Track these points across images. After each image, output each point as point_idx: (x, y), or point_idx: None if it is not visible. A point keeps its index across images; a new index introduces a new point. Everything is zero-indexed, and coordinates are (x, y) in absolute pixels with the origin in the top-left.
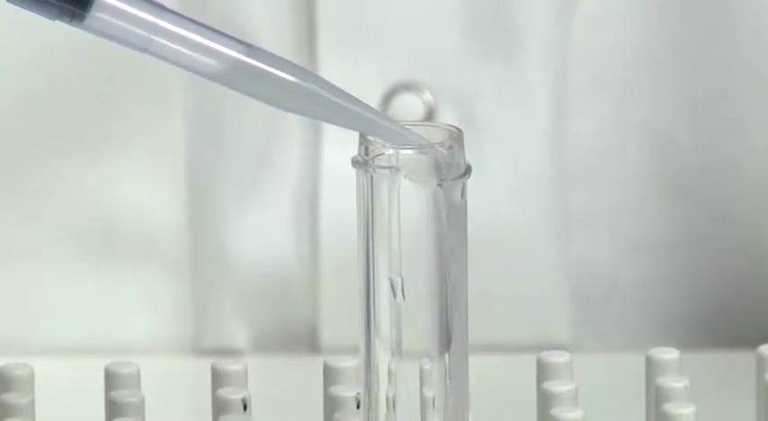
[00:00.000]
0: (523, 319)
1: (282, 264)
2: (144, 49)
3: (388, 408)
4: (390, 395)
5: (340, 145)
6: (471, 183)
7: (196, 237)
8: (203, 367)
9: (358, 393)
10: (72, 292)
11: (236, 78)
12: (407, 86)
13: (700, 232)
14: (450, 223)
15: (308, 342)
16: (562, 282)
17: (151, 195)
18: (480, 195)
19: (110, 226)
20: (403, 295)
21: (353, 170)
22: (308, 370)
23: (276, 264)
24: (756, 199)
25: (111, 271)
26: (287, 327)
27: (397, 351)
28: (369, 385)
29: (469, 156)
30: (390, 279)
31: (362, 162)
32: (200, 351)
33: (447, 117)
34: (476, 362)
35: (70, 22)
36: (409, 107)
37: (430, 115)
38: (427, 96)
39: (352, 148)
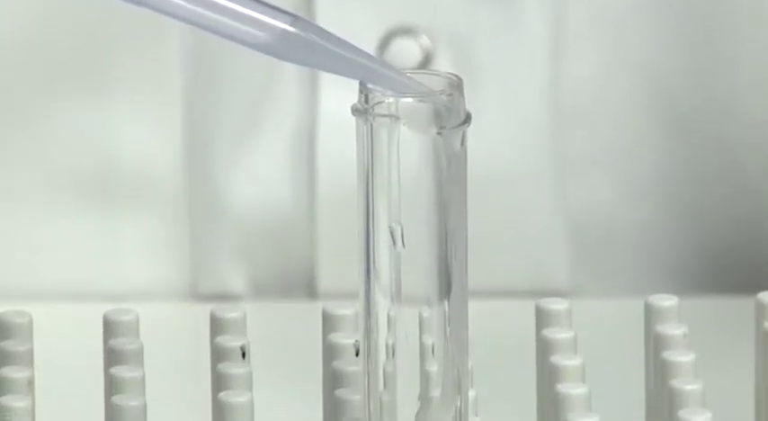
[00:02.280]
0: (521, 264)
1: (280, 208)
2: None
3: (387, 356)
4: (390, 342)
5: (338, 88)
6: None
7: (193, 182)
8: (202, 313)
9: (357, 340)
10: (69, 237)
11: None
12: (404, 31)
13: (699, 173)
14: (450, 171)
15: (306, 286)
16: (560, 226)
17: (148, 140)
18: (477, 139)
19: (107, 170)
20: (403, 243)
21: (351, 114)
22: (306, 316)
23: (274, 208)
24: (756, 139)
25: (108, 216)
26: (285, 272)
27: (397, 298)
28: (368, 332)
29: (466, 100)
30: (390, 227)
31: (362, 110)
32: (198, 295)
33: (444, 61)
34: (475, 309)
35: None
36: (406, 52)
37: (427, 60)
38: (424, 40)
39: (350, 92)
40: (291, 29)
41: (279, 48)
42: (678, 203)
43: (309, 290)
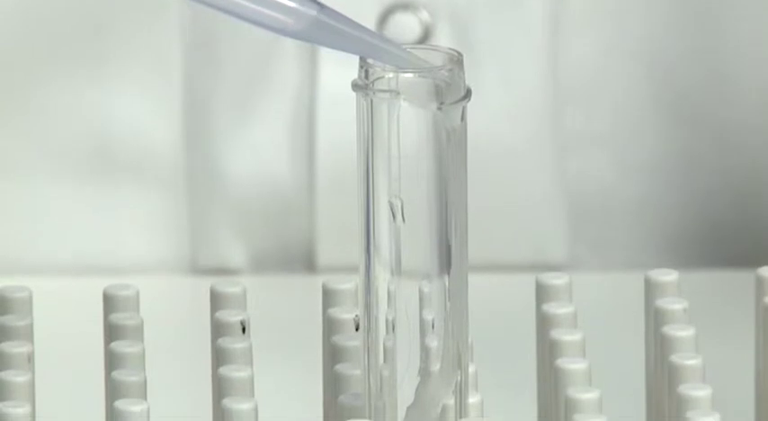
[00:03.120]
0: (521, 239)
1: (279, 182)
2: None
3: (387, 331)
4: (390, 317)
5: (338, 63)
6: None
7: (192, 156)
8: (201, 287)
9: (356, 315)
10: (68, 212)
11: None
12: (404, 5)
13: (698, 150)
14: (450, 147)
15: (306, 261)
16: (560, 202)
17: (147, 114)
18: (477, 114)
19: (106, 145)
20: (403, 218)
21: (351, 89)
22: (305, 290)
23: (273, 182)
24: (755, 117)
25: (107, 190)
26: (284, 246)
27: (397, 273)
28: (368, 307)
29: (466, 75)
30: (390, 202)
31: (362, 85)
32: (198, 270)
33: (444, 36)
34: (475, 283)
35: None
36: (405, 26)
37: (426, 35)
38: (424, 15)
39: (350, 67)
40: (318, 15)
41: (307, 33)
42: (677, 178)
43: (309, 264)
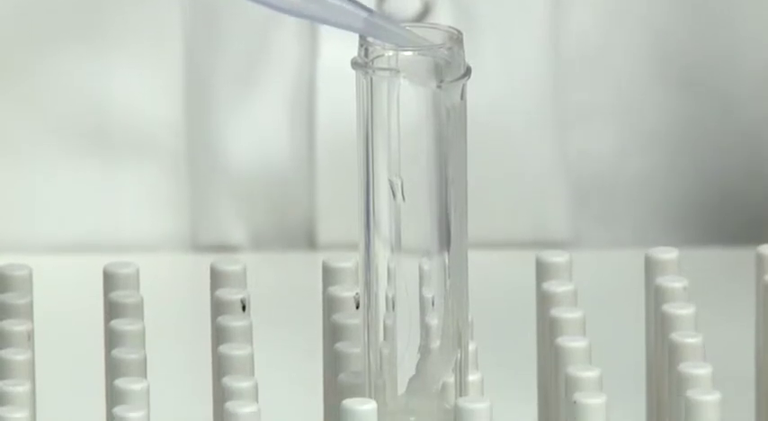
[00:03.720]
0: (522, 215)
1: (279, 159)
2: None
3: (387, 308)
4: (390, 295)
5: (338, 39)
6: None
7: (193, 132)
8: (201, 264)
9: (357, 293)
10: (68, 188)
11: None
12: None
13: (701, 124)
14: (450, 125)
15: (306, 238)
16: (561, 177)
17: (148, 90)
18: (477, 90)
19: (106, 122)
20: (402, 196)
21: (351, 67)
22: (305, 267)
23: (273, 159)
24: (758, 90)
25: (107, 167)
26: (284, 223)
27: (397, 251)
28: (368, 285)
29: (467, 50)
30: (390, 180)
31: (362, 64)
32: (198, 247)
33: (444, 12)
34: (475, 260)
35: None
36: (405, 3)
37: (426, 10)
38: None
39: (350, 43)
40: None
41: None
42: (679, 155)
43: (309, 241)
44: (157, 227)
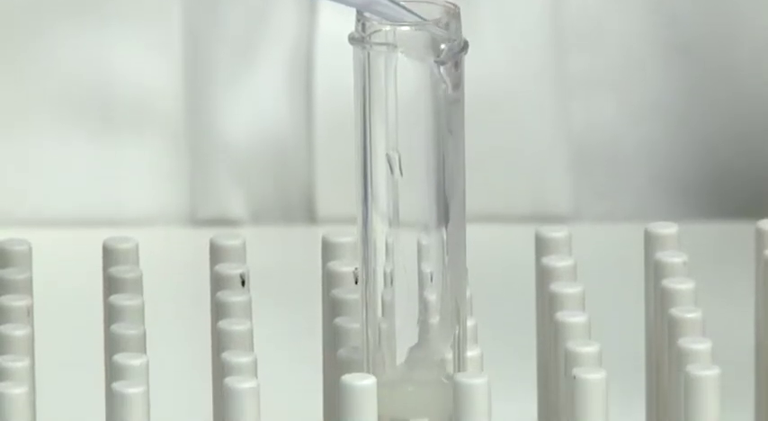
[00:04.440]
0: (522, 188)
1: (278, 130)
2: None
3: (385, 284)
4: (388, 270)
5: (336, 11)
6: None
7: (192, 106)
8: (200, 238)
9: (356, 268)
10: (67, 161)
11: None
12: None
13: (703, 95)
14: (448, 99)
15: (305, 211)
16: (562, 149)
17: (147, 63)
18: (477, 61)
19: (105, 95)
20: (400, 171)
21: (348, 43)
22: (305, 241)
23: (272, 131)
24: (760, 60)
25: (106, 140)
26: (283, 195)
27: (395, 226)
28: (366, 261)
29: (466, 19)
30: (387, 155)
31: (359, 39)
32: (197, 220)
33: None
34: (474, 235)
35: None
36: None
37: None
38: None
39: (348, 15)
40: None
41: None
42: (680, 126)
43: (309, 214)
44: (156, 199)
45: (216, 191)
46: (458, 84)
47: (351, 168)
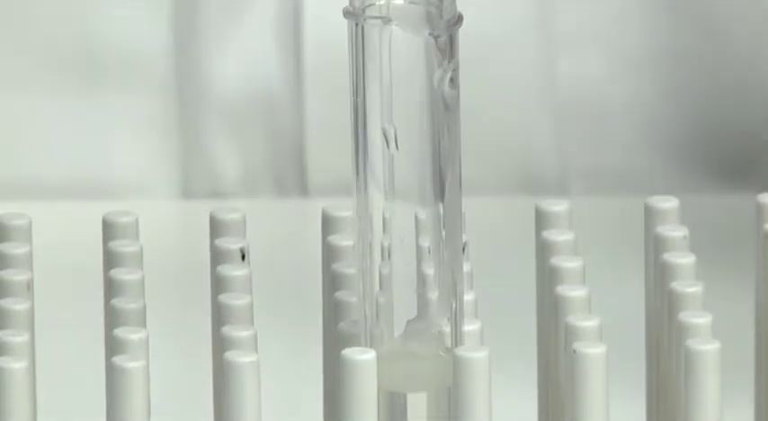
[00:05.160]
0: (510, 145)
1: (268, 85)
2: None
3: (383, 257)
4: (386, 244)
5: None
6: None
7: (181, 61)
8: (199, 211)
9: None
10: (57, 122)
11: None
12: None
13: (691, 47)
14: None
15: (296, 162)
16: (549, 104)
17: (136, 18)
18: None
19: (94, 50)
20: (396, 145)
21: (343, 16)
22: (299, 212)
23: (262, 85)
24: (749, 14)
25: (96, 98)
26: (274, 149)
27: (391, 200)
28: (363, 235)
29: None
30: (383, 129)
31: (353, 12)
32: (188, 175)
33: None
34: (472, 208)
35: None
36: None
37: None
38: None
39: None
40: None
41: None
42: (668, 80)
43: (299, 166)
44: (147, 157)
45: (207, 147)
46: (453, 57)
47: (341, 122)
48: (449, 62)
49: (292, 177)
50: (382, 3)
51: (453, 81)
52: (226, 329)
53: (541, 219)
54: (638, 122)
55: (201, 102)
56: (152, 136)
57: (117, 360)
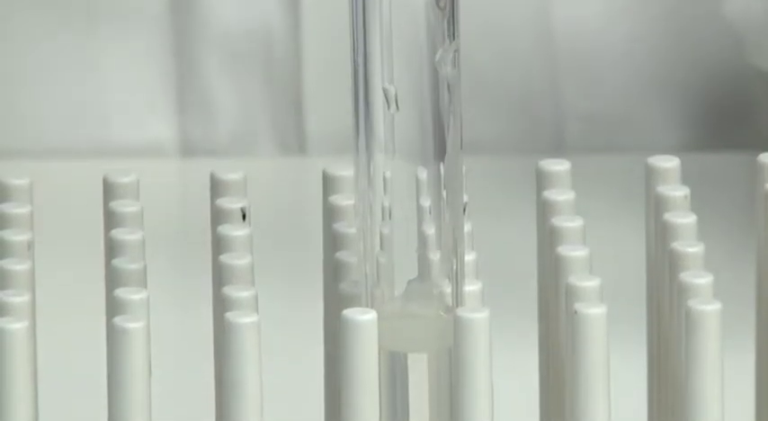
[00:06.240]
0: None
1: (266, 25)
2: None
3: (383, 218)
4: (386, 204)
5: None
6: None
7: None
8: (199, 170)
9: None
10: (54, 65)
11: None
12: None
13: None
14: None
15: (294, 106)
16: (546, 50)
17: None
18: None
19: None
20: (397, 105)
21: None
22: (299, 173)
23: (260, 25)
24: None
25: (92, 38)
26: (271, 91)
27: (392, 160)
28: (363, 195)
29: None
30: (384, 89)
31: None
32: (185, 120)
33: None
34: (473, 167)
35: None
36: None
37: None
38: None
39: None
40: None
41: None
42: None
43: (296, 110)
44: (144, 99)
45: (203, 87)
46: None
47: (339, 63)
48: (450, 43)
49: (288, 109)
50: None
51: (455, 61)
52: (226, 289)
53: (542, 179)
54: (634, 62)
55: (198, 40)
56: (147, 75)
57: (117, 320)
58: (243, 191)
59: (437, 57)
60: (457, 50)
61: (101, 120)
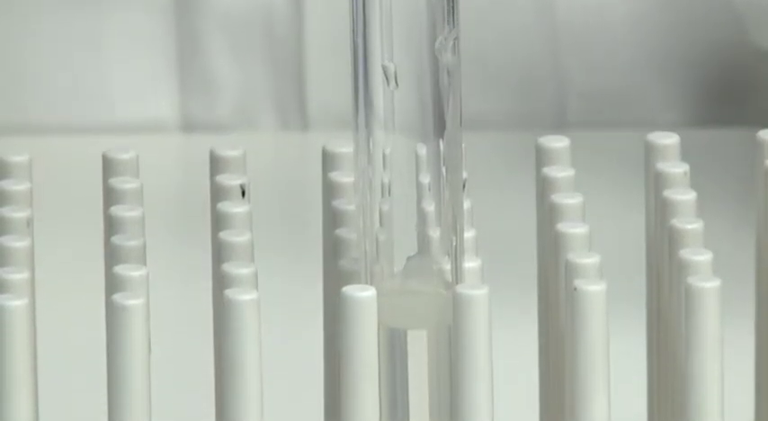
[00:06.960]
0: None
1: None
2: None
3: (383, 194)
4: (386, 180)
5: None
6: None
7: None
8: (197, 143)
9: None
10: (55, 41)
11: None
12: None
13: None
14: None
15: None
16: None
17: None
18: None
19: None
20: (396, 82)
21: None
22: (300, 145)
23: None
24: None
25: (95, 19)
26: (273, 67)
27: (391, 137)
28: (363, 172)
29: None
30: (383, 66)
31: None
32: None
33: None
34: (472, 144)
35: None
36: None
37: None
38: None
39: None
40: None
41: None
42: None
43: (299, 88)
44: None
45: (205, 63)
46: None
47: (340, 39)
48: (450, 30)
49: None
50: None
51: (455, 48)
52: (226, 266)
53: (542, 156)
54: (637, 43)
55: (201, 16)
56: (149, 50)
57: (117, 297)
58: (242, 168)
59: (437, 44)
60: (457, 38)
61: (102, 96)
